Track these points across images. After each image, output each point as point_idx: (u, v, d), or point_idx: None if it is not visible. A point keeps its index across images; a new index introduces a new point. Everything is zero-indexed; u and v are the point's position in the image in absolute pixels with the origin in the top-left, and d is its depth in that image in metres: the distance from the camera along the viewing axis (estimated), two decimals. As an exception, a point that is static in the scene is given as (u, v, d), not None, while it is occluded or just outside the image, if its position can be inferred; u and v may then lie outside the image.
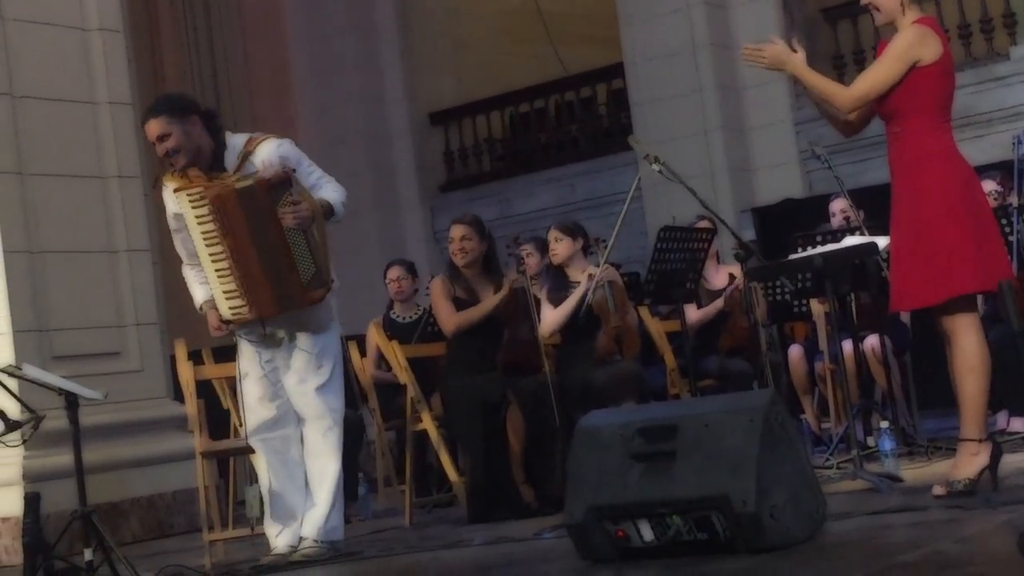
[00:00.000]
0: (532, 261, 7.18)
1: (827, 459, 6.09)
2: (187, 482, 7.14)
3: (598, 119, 13.26)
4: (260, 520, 5.72)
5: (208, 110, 5.29)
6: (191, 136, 5.09)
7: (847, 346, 6.70)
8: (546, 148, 13.47)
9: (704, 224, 7.33)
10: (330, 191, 5.23)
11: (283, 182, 5.05)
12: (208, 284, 5.17)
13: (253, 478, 5.95)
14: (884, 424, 5.98)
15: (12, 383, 5.09)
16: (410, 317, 7.88)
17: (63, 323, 7.13)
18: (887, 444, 5.76)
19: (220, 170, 5.14)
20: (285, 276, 5.06)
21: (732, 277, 7.31)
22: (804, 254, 6.20)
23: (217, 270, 5.09)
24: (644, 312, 7.32)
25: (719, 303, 7.31)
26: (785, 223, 9.54)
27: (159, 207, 5.40)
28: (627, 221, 7.36)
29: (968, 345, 4.57)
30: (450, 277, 6.44)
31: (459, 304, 6.34)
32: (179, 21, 13.36)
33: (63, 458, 5.43)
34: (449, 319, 6.33)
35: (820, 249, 6.19)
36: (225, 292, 5.10)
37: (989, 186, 6.78)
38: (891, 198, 4.74)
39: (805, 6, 11.76)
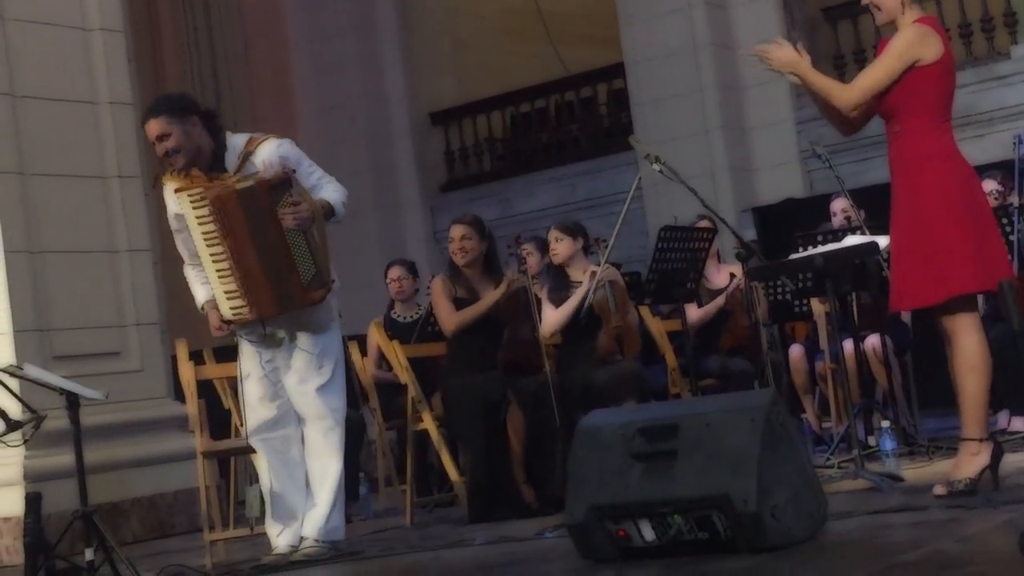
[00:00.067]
0: (532, 261, 7.18)
1: (828, 459, 6.09)
2: (188, 482, 7.14)
3: (599, 119, 13.26)
4: (259, 520, 5.72)
5: (208, 110, 5.29)
6: (191, 136, 5.09)
7: (848, 346, 6.70)
8: (547, 148, 13.47)
9: (705, 224, 7.34)
10: (331, 191, 5.23)
11: (283, 183, 5.06)
12: (209, 284, 5.18)
13: (254, 478, 5.94)
14: (885, 424, 5.97)
15: (13, 383, 5.09)
16: (411, 317, 7.88)
17: (64, 323, 7.13)
18: (888, 444, 5.75)
19: (220, 170, 5.14)
20: (285, 277, 5.07)
21: (733, 276, 7.31)
22: (805, 254, 6.20)
23: (218, 270, 5.09)
24: (645, 312, 7.32)
25: (720, 301, 7.31)
26: (786, 223, 9.53)
27: (160, 207, 5.40)
28: (628, 221, 7.36)
29: (968, 345, 4.58)
30: (451, 277, 6.44)
31: (460, 304, 6.34)
32: (180, 21, 13.37)
33: (64, 458, 5.43)
34: (449, 318, 6.34)
35: (821, 249, 6.19)
36: (226, 292, 5.10)
37: (990, 185, 6.78)
38: (891, 197, 4.74)
39: (806, 6, 11.75)
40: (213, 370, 6.84)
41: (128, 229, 7.53)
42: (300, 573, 5.01)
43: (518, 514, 5.93)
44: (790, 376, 7.60)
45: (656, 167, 5.86)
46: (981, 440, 4.59)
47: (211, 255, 5.07)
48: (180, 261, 5.38)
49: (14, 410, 5.01)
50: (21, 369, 5.17)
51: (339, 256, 5.51)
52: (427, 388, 6.75)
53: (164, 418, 7.56)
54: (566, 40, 14.25)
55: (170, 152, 5.09)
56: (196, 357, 6.75)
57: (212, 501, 6.49)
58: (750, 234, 10.29)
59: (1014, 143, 6.79)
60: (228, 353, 6.32)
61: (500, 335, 6.32)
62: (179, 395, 7.28)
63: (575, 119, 13.44)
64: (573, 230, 6.72)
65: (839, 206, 7.38)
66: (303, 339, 5.23)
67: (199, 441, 6.22)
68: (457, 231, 6.41)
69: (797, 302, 7.35)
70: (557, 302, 6.60)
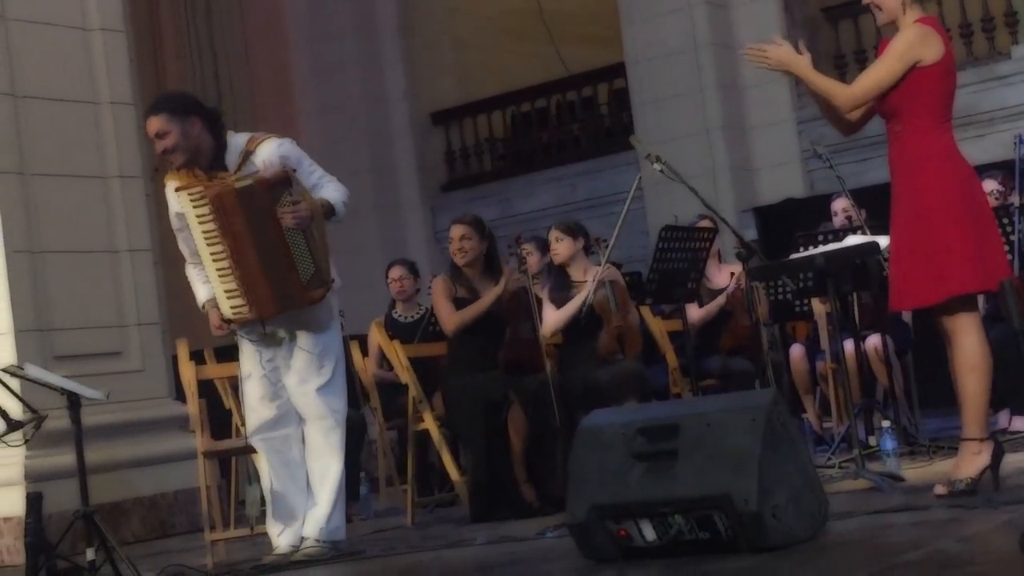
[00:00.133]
0: (532, 261, 7.18)
1: (829, 458, 6.09)
2: (189, 482, 7.14)
3: (599, 119, 13.26)
4: (259, 519, 5.72)
5: (211, 110, 5.28)
6: (189, 136, 5.10)
7: (848, 345, 6.70)
8: (547, 148, 13.46)
9: (705, 223, 7.34)
10: (331, 190, 5.24)
11: (283, 181, 5.06)
12: (210, 283, 5.18)
13: (255, 478, 5.95)
14: (886, 423, 5.96)
15: (14, 383, 5.10)
16: (412, 317, 7.89)
17: (65, 323, 7.13)
18: (889, 443, 5.75)
19: (221, 170, 5.15)
20: (285, 276, 5.07)
21: (733, 276, 7.31)
22: (806, 253, 6.20)
23: (218, 269, 5.10)
24: (646, 311, 7.32)
25: (721, 300, 7.31)
26: (787, 222, 9.53)
27: (160, 206, 5.41)
28: (628, 221, 7.36)
29: (969, 344, 4.58)
30: (452, 277, 6.45)
31: (460, 304, 6.34)
32: (180, 21, 13.36)
33: (65, 458, 5.43)
34: (450, 318, 6.34)
35: (822, 248, 6.19)
36: (226, 291, 5.11)
37: (990, 185, 6.78)
38: (891, 197, 4.74)
39: (806, 5, 11.75)
40: (214, 370, 6.84)
41: (129, 229, 7.53)
42: (301, 573, 5.01)
43: (519, 514, 5.93)
44: (791, 376, 7.59)
45: (657, 167, 5.86)
46: (982, 440, 4.59)
47: (211, 254, 5.08)
48: (180, 261, 5.38)
49: (15, 410, 5.02)
50: (22, 369, 5.18)
51: (339, 256, 5.52)
52: (428, 388, 6.75)
53: (165, 418, 7.56)
54: (567, 40, 14.25)
55: (167, 150, 5.11)
56: (197, 357, 6.75)
57: (213, 501, 6.49)
58: (751, 234, 10.29)
59: (1015, 143, 6.80)
60: (229, 353, 6.33)
61: (501, 335, 6.32)
62: (180, 395, 7.28)
63: (576, 119, 13.44)
64: (574, 230, 6.71)
65: (840, 206, 7.38)
66: (303, 338, 5.23)
67: (200, 441, 6.22)
68: (457, 231, 6.41)
69: (798, 302, 7.35)
70: (558, 302, 6.60)
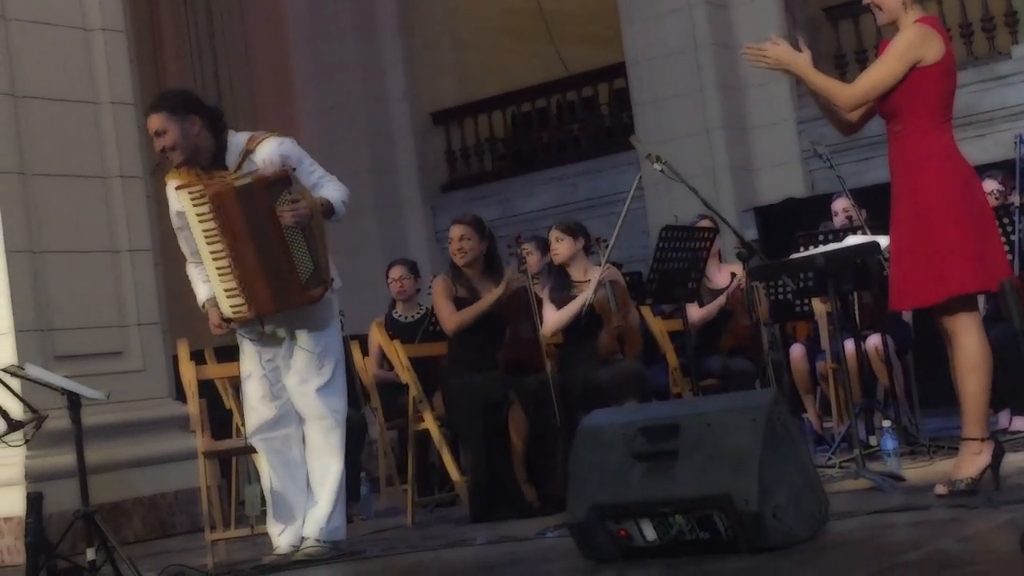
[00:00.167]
0: (533, 260, 7.18)
1: (829, 458, 6.09)
2: (189, 482, 7.14)
3: (600, 118, 13.25)
4: (258, 519, 5.72)
5: (212, 109, 5.28)
6: (188, 136, 5.10)
7: (849, 345, 6.70)
8: (548, 148, 13.46)
9: (706, 223, 7.34)
10: (331, 190, 5.24)
11: (282, 180, 5.06)
12: (210, 282, 5.18)
13: (255, 478, 5.95)
14: (886, 423, 5.96)
15: (14, 383, 5.10)
16: (412, 317, 7.88)
17: (65, 323, 7.13)
18: (889, 443, 5.75)
19: (221, 168, 5.15)
20: (284, 274, 5.07)
21: (734, 276, 7.31)
22: (806, 253, 6.20)
23: (218, 268, 5.10)
24: (646, 311, 7.32)
25: (721, 300, 7.32)
26: (787, 222, 9.53)
27: (161, 206, 5.41)
28: (628, 220, 7.36)
29: (969, 344, 4.58)
30: (452, 277, 6.45)
31: (460, 303, 6.34)
32: (181, 21, 13.37)
33: (65, 458, 5.43)
34: (450, 318, 6.34)
35: (822, 248, 6.19)
36: (226, 290, 5.11)
37: (991, 185, 6.79)
38: (891, 197, 4.74)
39: (807, 5, 11.75)
40: (214, 370, 6.84)
41: (129, 229, 7.53)
42: (301, 573, 5.01)
43: (519, 514, 5.93)
44: (791, 376, 7.59)
45: (657, 167, 5.86)
46: (982, 440, 4.59)
47: (211, 252, 5.08)
48: (181, 261, 5.38)
49: (15, 410, 5.02)
50: (22, 369, 5.18)
51: (339, 256, 5.52)
52: (428, 388, 6.75)
53: (165, 418, 7.56)
54: (567, 40, 14.25)
55: (166, 148, 5.11)
56: (197, 357, 6.75)
57: (213, 501, 6.48)
58: (751, 234, 10.29)
59: (1015, 143, 6.80)
60: (229, 353, 6.32)
61: (501, 334, 6.32)
62: (180, 395, 7.27)
63: (576, 119, 13.43)
64: (574, 230, 6.72)
65: (840, 206, 7.38)
66: (303, 338, 5.23)
67: (200, 441, 6.22)
68: (456, 231, 6.41)
69: (798, 302, 7.35)
70: (558, 302, 6.60)
